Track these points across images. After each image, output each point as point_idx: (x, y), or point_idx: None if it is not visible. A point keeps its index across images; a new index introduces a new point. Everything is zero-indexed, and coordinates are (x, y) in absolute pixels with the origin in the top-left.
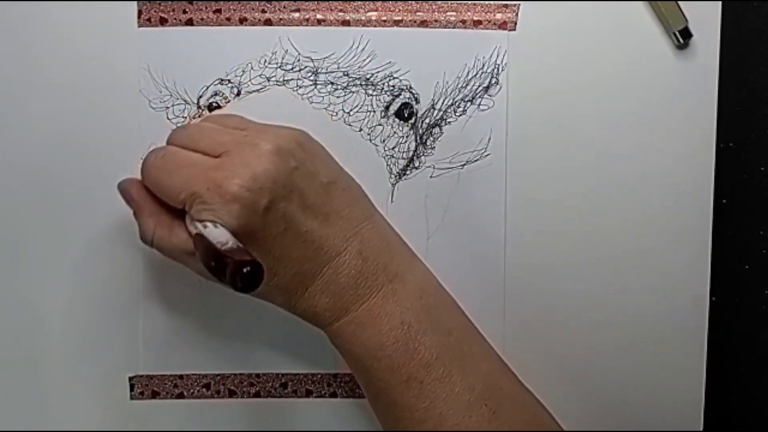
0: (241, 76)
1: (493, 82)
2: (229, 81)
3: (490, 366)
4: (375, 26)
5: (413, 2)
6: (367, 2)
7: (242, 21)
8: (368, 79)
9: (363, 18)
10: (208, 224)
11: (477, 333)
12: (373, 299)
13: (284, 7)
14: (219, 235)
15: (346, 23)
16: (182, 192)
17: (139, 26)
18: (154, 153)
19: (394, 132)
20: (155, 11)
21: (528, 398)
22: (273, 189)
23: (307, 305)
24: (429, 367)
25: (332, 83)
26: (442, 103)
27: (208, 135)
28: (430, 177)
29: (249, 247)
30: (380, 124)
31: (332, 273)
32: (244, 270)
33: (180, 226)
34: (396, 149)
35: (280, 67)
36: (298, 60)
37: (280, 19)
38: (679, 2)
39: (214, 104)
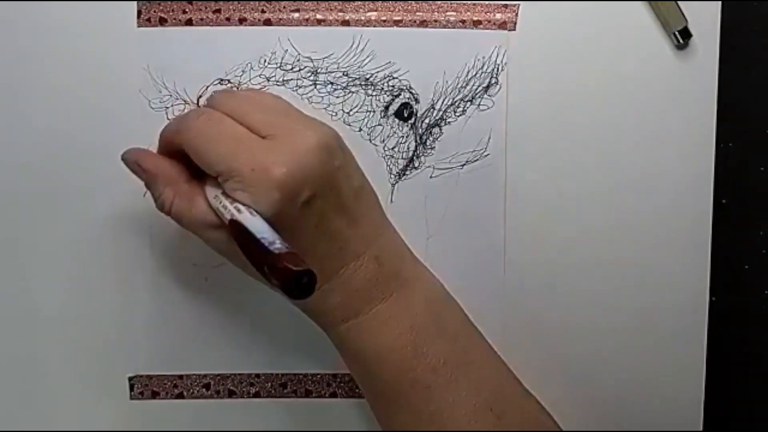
0: (241, 76)
1: (492, 82)
2: (228, 81)
3: (494, 372)
4: (375, 26)
5: (413, 2)
6: (367, 2)
7: (242, 21)
8: (368, 79)
9: (363, 18)
10: (242, 209)
11: (482, 339)
12: (383, 304)
13: (284, 7)
14: (260, 228)
15: (345, 23)
16: (224, 163)
17: (139, 26)
18: (197, 113)
19: (394, 132)
20: (155, 11)
21: (531, 403)
22: (315, 184)
23: (318, 302)
24: (436, 371)
25: (332, 83)
26: (442, 103)
27: (257, 111)
28: (430, 177)
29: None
30: (380, 124)
31: (349, 275)
32: (303, 280)
33: (200, 196)
34: (396, 149)
35: (279, 67)
36: (298, 60)
37: (280, 19)
38: (679, 2)
39: None
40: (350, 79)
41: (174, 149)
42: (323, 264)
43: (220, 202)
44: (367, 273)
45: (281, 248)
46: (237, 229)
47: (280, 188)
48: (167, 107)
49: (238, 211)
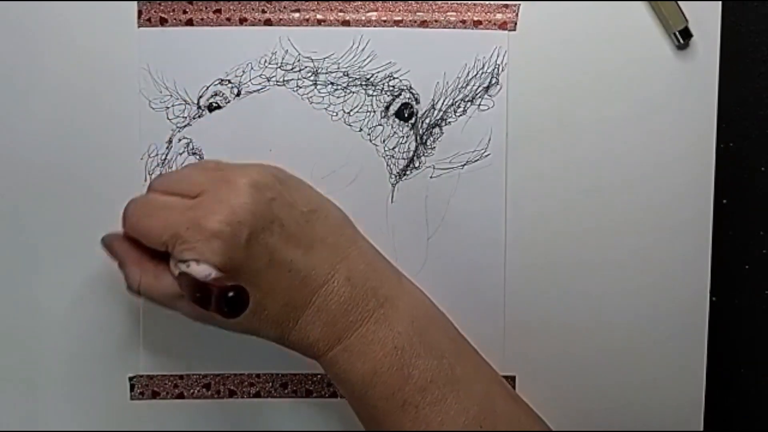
0: (241, 76)
1: (493, 82)
2: (229, 81)
3: (484, 387)
4: (375, 26)
5: (413, 2)
6: (367, 2)
7: (242, 21)
8: (368, 79)
9: (363, 18)
10: (192, 263)
11: (471, 352)
12: (365, 326)
13: (284, 7)
14: (201, 270)
15: (346, 23)
16: (163, 234)
17: (139, 26)
18: (133, 201)
19: (394, 132)
20: (155, 11)
21: (523, 415)
22: (252, 222)
23: (300, 336)
24: (424, 391)
25: (332, 83)
26: (442, 104)
27: (185, 178)
28: (431, 177)
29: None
30: (380, 125)
31: (322, 301)
32: (229, 294)
33: (165, 271)
34: (396, 149)
35: (280, 67)
36: (298, 60)
37: (280, 19)
38: (679, 2)
39: (214, 104)
40: (351, 80)
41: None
42: (292, 297)
43: (177, 269)
44: (340, 296)
45: (215, 277)
46: (184, 280)
47: (217, 237)
48: (167, 107)
49: (188, 266)
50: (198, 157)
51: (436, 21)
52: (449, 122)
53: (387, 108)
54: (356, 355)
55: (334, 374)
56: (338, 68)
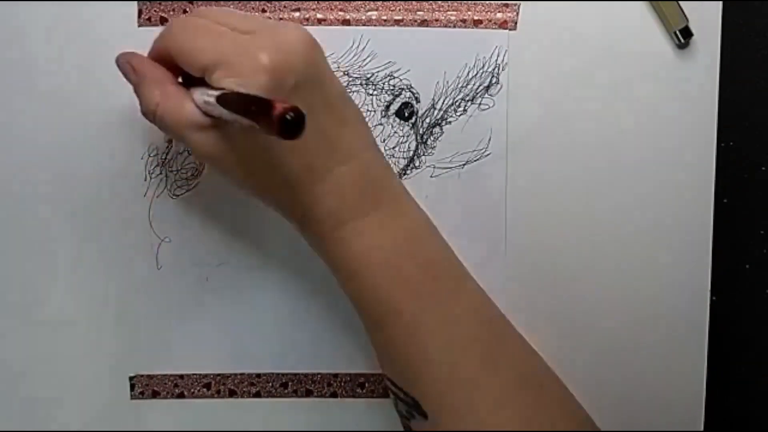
0: None
1: (493, 81)
2: None
3: (487, 295)
4: (375, 26)
5: (414, 2)
6: (368, 2)
7: None
8: (368, 78)
9: (363, 17)
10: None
11: None
12: (378, 212)
13: (284, 6)
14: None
15: (346, 23)
16: (210, 55)
17: (140, 26)
18: (180, 18)
19: (395, 131)
20: (155, 11)
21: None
22: (302, 71)
23: (310, 206)
24: (438, 281)
25: None
26: (443, 103)
27: (236, 14)
28: (431, 176)
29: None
30: (381, 124)
31: (339, 178)
32: (290, 115)
33: (187, 98)
34: (396, 149)
35: None
36: None
37: (281, 18)
38: (680, 2)
39: None
40: (351, 79)
41: (163, 58)
42: (314, 162)
43: (207, 98)
44: (357, 179)
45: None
46: (228, 97)
47: (266, 71)
48: None
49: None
50: None
51: (436, 20)
52: (449, 122)
53: (387, 107)
54: (368, 238)
55: (340, 259)
56: (338, 68)
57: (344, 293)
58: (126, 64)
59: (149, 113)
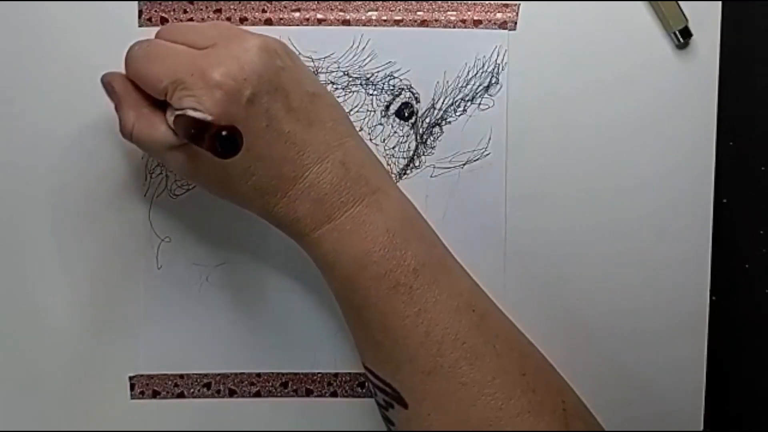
0: None
1: (493, 81)
2: None
3: (472, 282)
4: (375, 26)
5: (413, 2)
6: (368, 2)
7: (242, 21)
8: (368, 78)
9: (363, 17)
10: (189, 111)
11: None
12: (356, 207)
13: (284, 6)
14: (199, 116)
15: (346, 23)
16: (165, 79)
17: (140, 26)
18: (138, 43)
19: (395, 131)
20: (156, 11)
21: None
22: (257, 82)
23: (286, 211)
24: (417, 273)
25: (332, 83)
26: (443, 103)
27: (195, 29)
28: (431, 176)
29: None
30: (380, 124)
31: (314, 178)
32: (223, 133)
33: (160, 119)
34: (396, 149)
35: None
36: None
37: (281, 18)
38: (679, 2)
39: None
40: (351, 79)
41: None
42: (283, 169)
43: (174, 115)
44: (333, 177)
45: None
46: (180, 120)
47: (219, 86)
48: None
49: (185, 113)
50: None
51: (436, 20)
52: (449, 121)
53: (387, 107)
54: (347, 236)
55: (321, 256)
56: (338, 68)
57: (326, 285)
58: (108, 85)
59: (126, 134)
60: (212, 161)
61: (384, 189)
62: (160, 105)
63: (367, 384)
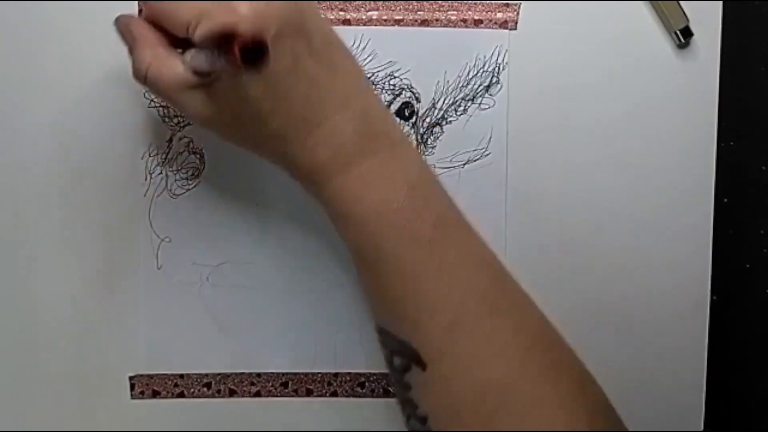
0: None
1: (494, 81)
2: None
3: (486, 243)
4: (376, 25)
5: (414, 1)
6: (368, 1)
7: None
8: (369, 78)
9: (364, 17)
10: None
11: None
12: (377, 157)
13: None
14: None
15: (346, 22)
16: (189, 9)
17: None
18: None
19: None
20: None
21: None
22: (282, 22)
23: (306, 157)
24: (436, 227)
25: None
26: (443, 103)
27: None
28: None
29: (253, 81)
30: None
31: (334, 125)
32: (252, 41)
33: (177, 59)
34: None
35: None
36: None
37: None
38: (680, 1)
39: None
40: None
41: (155, 21)
42: (306, 111)
43: (194, 54)
44: (355, 126)
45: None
46: (204, 41)
47: (246, 20)
48: (168, 107)
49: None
50: (199, 156)
51: (436, 20)
52: (450, 121)
53: (387, 107)
54: (366, 185)
55: (339, 205)
56: None
57: (342, 240)
58: (123, 26)
59: (140, 75)
60: (234, 101)
61: (404, 144)
62: (178, 46)
63: (366, 383)
